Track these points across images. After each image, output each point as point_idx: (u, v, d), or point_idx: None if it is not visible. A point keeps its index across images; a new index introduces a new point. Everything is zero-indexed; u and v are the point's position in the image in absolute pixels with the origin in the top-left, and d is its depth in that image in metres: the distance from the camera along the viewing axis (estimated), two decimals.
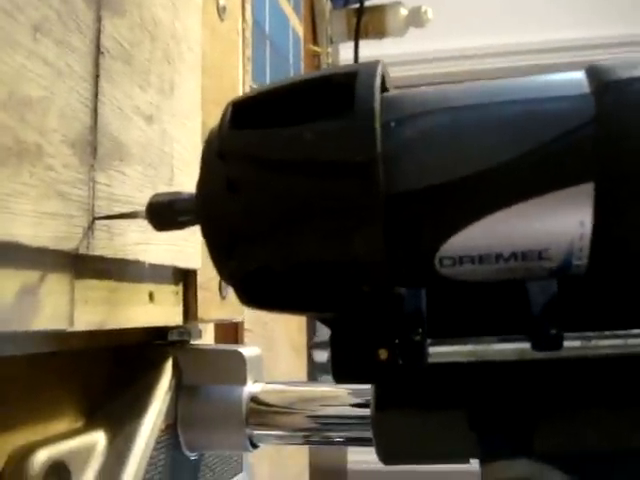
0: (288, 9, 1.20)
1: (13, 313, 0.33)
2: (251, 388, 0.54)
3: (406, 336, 0.34)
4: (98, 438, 0.48)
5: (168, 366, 0.54)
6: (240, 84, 0.67)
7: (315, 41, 1.45)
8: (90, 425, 0.48)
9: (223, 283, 0.58)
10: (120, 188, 0.41)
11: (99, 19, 0.40)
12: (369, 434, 0.40)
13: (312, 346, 0.39)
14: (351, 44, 1.54)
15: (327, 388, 0.54)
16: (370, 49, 1.58)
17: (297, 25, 1.27)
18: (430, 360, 0.35)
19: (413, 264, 0.32)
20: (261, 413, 0.53)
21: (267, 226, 0.31)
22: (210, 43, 0.59)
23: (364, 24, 1.57)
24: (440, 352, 0.35)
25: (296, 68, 1.23)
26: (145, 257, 0.44)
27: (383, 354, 0.35)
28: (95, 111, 0.39)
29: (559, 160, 0.29)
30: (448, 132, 0.30)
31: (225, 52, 0.63)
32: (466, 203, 0.30)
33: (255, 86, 0.87)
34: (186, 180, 0.50)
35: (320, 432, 0.53)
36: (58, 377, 0.46)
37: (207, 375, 0.54)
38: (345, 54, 1.60)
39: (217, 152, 0.32)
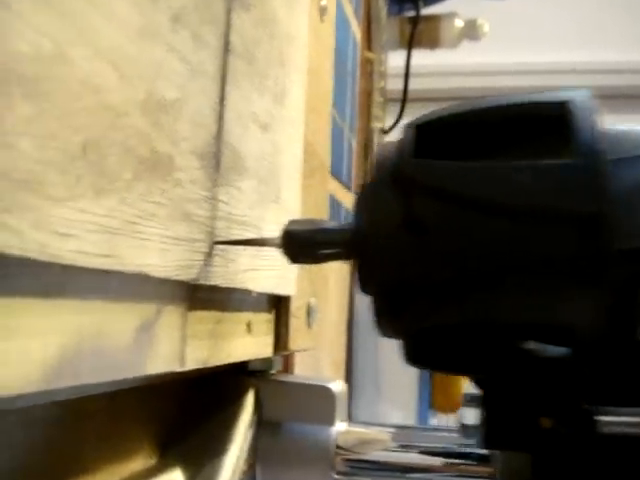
0: (349, 10, 1.15)
1: (128, 356, 0.27)
2: (339, 428, 0.48)
3: (574, 404, 0.30)
4: (176, 478, 0.43)
5: (249, 399, 0.49)
6: (332, 91, 0.62)
7: (369, 47, 1.39)
8: (165, 463, 0.43)
9: (311, 310, 0.53)
10: (236, 206, 0.36)
11: (229, 11, 0.34)
12: None
13: (462, 404, 0.35)
14: (400, 52, 1.48)
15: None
16: (417, 58, 1.52)
17: (356, 29, 1.21)
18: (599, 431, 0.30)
19: (623, 332, 0.26)
20: (348, 458, 0.48)
21: (457, 277, 0.25)
22: (312, 45, 0.53)
23: (417, 33, 1.51)
24: (610, 422, 0.31)
25: (353, 75, 1.17)
26: (254, 285, 0.38)
27: (546, 422, 0.30)
28: (221, 117, 0.34)
29: None
30: None
31: (322, 55, 0.58)
32: None
33: None
34: (290, 197, 0.45)
35: None
36: (134, 412, 0.40)
37: (291, 411, 0.49)
38: (393, 62, 1.54)
39: (394, 182, 0.26)
